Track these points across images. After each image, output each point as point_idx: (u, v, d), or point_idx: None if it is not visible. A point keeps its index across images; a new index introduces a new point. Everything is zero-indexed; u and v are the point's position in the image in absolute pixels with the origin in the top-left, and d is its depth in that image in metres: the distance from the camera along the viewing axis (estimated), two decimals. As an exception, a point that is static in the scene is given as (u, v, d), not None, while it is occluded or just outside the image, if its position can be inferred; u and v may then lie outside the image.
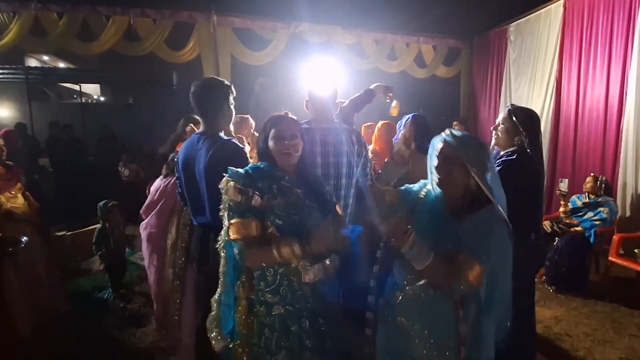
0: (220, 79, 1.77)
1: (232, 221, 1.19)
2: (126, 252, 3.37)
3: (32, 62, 11.02)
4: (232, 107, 1.75)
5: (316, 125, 1.84)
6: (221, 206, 1.24)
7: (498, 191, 1.18)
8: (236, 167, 1.29)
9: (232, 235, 1.19)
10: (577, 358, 2.29)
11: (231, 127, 2.34)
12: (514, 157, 1.75)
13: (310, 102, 1.88)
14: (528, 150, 1.76)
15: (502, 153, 1.84)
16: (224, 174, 1.25)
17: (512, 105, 1.86)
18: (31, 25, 4.39)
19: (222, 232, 1.25)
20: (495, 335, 1.22)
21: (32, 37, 4.52)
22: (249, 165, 1.35)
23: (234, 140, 1.70)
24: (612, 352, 2.33)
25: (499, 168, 1.67)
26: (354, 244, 1.18)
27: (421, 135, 2.12)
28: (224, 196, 1.23)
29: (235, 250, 1.19)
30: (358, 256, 1.18)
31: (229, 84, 1.75)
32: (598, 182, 3.45)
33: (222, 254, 1.26)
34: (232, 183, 1.21)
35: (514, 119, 1.79)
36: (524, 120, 1.78)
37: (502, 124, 1.84)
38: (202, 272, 1.82)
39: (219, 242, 1.27)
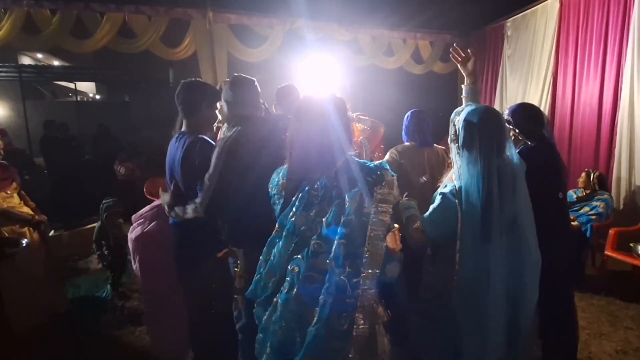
0: (203, 81, 1.80)
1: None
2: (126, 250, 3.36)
3: (26, 60, 10.90)
4: (215, 110, 1.78)
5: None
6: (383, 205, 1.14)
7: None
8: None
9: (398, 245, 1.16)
10: (573, 351, 2.32)
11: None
12: (531, 144, 1.72)
13: (278, 103, 2.07)
14: (529, 144, 1.73)
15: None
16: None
17: (507, 109, 1.86)
18: (24, 23, 4.33)
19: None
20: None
21: (24, 34, 4.46)
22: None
23: (208, 140, 1.74)
24: (608, 345, 2.36)
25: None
26: (337, 247, 1.11)
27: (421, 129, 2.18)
28: (392, 192, 1.15)
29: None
30: (341, 260, 1.10)
31: (214, 87, 1.79)
32: (591, 177, 3.49)
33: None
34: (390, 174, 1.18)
35: (503, 121, 1.80)
36: (515, 120, 1.77)
37: None
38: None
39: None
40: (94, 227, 3.22)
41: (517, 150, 1.75)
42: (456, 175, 1.35)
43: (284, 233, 1.18)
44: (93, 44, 4.68)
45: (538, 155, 1.70)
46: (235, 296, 1.59)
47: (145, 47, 4.84)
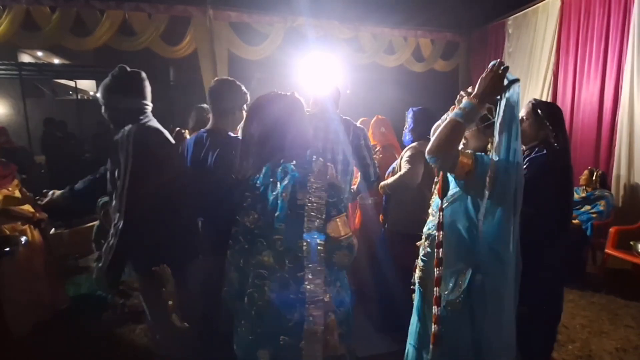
0: (239, 83, 1.80)
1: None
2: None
3: (26, 58, 10.87)
4: (243, 112, 1.76)
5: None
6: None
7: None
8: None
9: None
10: (573, 349, 2.31)
11: None
12: (544, 152, 1.68)
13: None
14: (555, 144, 1.69)
15: (524, 148, 1.76)
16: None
17: (534, 99, 1.81)
18: (23, 20, 4.32)
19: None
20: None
21: (24, 32, 4.45)
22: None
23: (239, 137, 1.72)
24: (608, 343, 2.36)
25: (527, 166, 1.61)
26: (274, 244, 1.12)
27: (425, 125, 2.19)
28: (324, 179, 1.10)
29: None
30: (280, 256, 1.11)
31: (246, 91, 1.80)
32: (593, 176, 3.49)
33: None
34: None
35: (538, 112, 1.74)
36: (548, 114, 1.73)
37: (526, 118, 1.77)
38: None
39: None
40: (94, 225, 3.22)
41: (537, 149, 1.71)
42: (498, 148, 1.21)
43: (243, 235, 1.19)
44: (93, 42, 4.67)
45: (557, 162, 1.68)
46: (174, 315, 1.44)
47: (145, 45, 4.83)
